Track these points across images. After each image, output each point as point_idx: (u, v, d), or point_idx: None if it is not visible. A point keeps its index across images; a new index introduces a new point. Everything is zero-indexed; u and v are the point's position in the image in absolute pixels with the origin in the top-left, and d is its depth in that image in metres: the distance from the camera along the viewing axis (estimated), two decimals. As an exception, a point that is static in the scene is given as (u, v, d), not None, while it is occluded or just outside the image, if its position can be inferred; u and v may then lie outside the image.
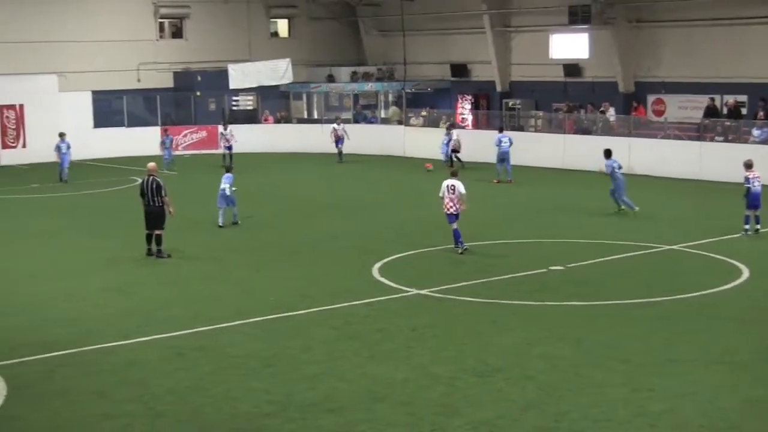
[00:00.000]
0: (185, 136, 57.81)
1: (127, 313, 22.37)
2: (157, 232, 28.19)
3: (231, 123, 53.14)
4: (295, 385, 17.09)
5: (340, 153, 52.65)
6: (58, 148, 47.07)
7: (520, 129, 52.74)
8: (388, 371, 17.73)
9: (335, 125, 53.69)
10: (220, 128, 52.22)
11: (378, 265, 26.55)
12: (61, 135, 47.49)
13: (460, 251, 28.05)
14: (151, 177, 28.26)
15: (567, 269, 25.80)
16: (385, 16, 63.03)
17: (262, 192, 38.04)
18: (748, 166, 30.45)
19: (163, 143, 51.07)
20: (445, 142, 48.38)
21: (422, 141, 53.46)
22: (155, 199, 28.10)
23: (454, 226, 28.25)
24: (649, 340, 19.47)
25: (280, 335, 20.33)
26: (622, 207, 34.22)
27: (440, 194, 28.48)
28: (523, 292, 23.45)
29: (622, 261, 27.10)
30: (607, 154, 35.39)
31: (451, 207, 28.20)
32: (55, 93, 54.62)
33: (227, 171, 34.06)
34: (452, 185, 28.30)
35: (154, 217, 28.18)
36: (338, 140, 52.83)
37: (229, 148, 50.61)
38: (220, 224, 33.10)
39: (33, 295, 24.22)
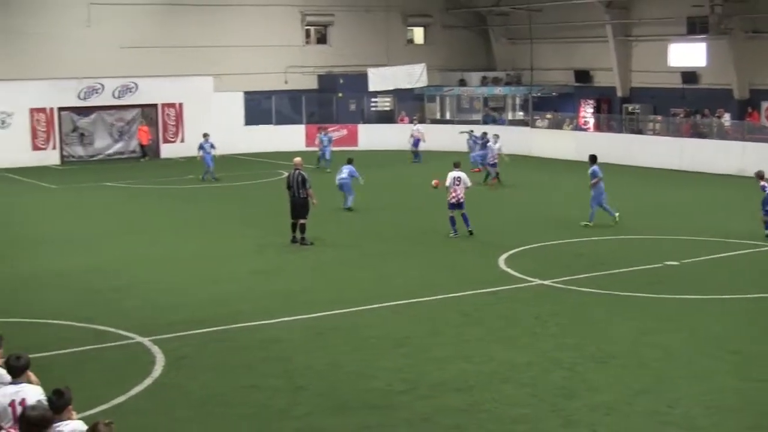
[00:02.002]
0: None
1: (272, 295, 22.68)
2: (302, 221, 28.45)
3: (368, 123, 52.79)
4: (426, 365, 17.13)
5: (415, 154, 50.91)
6: (201, 148, 44.32)
7: (639, 132, 52.14)
8: (512, 355, 17.66)
9: (413, 126, 52.62)
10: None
11: (504, 256, 26.41)
12: (205, 135, 44.48)
13: (455, 234, 29.12)
14: (297, 171, 28.54)
15: (682, 264, 25.36)
16: (514, 25, 62.73)
17: (397, 186, 38.09)
18: None
19: (321, 141, 48.60)
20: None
21: (547, 142, 53.52)
22: (300, 191, 28.37)
23: (452, 213, 29.15)
24: (761, 333, 19.06)
25: (411, 319, 20.38)
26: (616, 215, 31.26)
27: (447, 184, 29.23)
28: (639, 284, 23.12)
29: (737, 258, 26.50)
30: (593, 159, 31.49)
31: (454, 198, 28.95)
32: (210, 93, 55.53)
33: (349, 161, 34.80)
34: (458, 177, 29.04)
35: (299, 208, 28.47)
36: (416, 141, 51.12)
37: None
38: (348, 206, 34.46)
39: (188, 277, 24.69)
